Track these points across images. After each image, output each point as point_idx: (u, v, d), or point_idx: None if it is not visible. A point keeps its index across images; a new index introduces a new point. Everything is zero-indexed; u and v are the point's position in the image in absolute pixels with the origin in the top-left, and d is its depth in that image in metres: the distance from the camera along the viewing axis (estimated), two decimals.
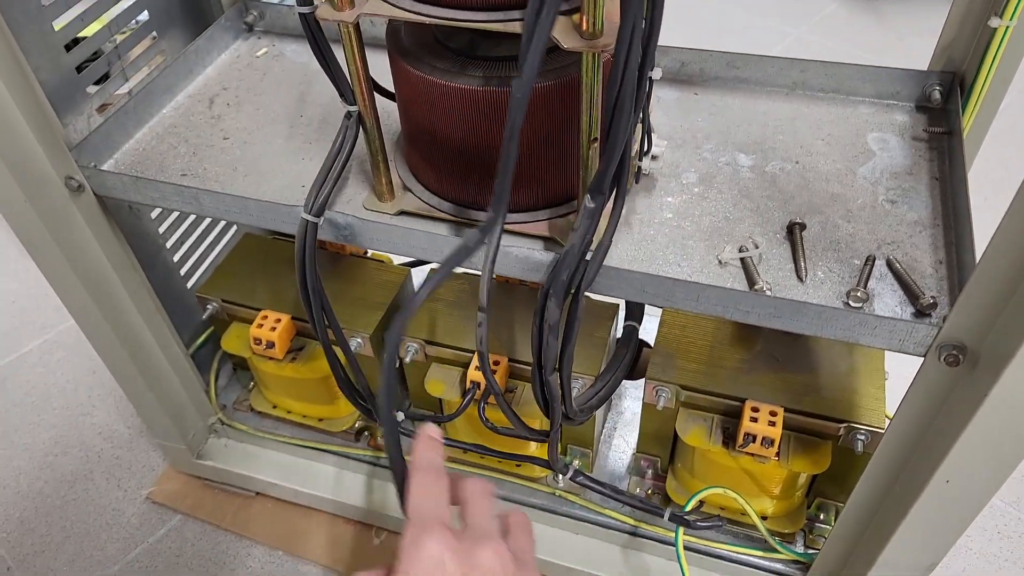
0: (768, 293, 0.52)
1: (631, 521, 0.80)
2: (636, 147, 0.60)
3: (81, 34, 0.68)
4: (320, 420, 0.87)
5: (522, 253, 0.55)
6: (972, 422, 0.47)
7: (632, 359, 0.75)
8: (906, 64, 0.66)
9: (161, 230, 0.82)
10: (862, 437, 0.65)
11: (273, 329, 0.76)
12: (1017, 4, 0.55)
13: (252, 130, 0.70)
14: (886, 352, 0.75)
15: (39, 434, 1.06)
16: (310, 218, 0.57)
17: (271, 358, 0.77)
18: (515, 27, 0.46)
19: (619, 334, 0.77)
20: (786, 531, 0.75)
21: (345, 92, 0.56)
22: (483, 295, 0.51)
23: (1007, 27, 0.56)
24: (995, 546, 0.91)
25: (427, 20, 0.48)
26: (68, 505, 0.97)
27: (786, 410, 0.67)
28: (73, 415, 1.07)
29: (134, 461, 1.01)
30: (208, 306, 0.81)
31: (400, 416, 0.76)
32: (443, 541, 0.38)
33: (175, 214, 0.84)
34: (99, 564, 0.91)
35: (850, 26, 1.78)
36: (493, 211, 0.48)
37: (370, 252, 0.88)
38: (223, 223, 0.92)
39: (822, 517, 0.76)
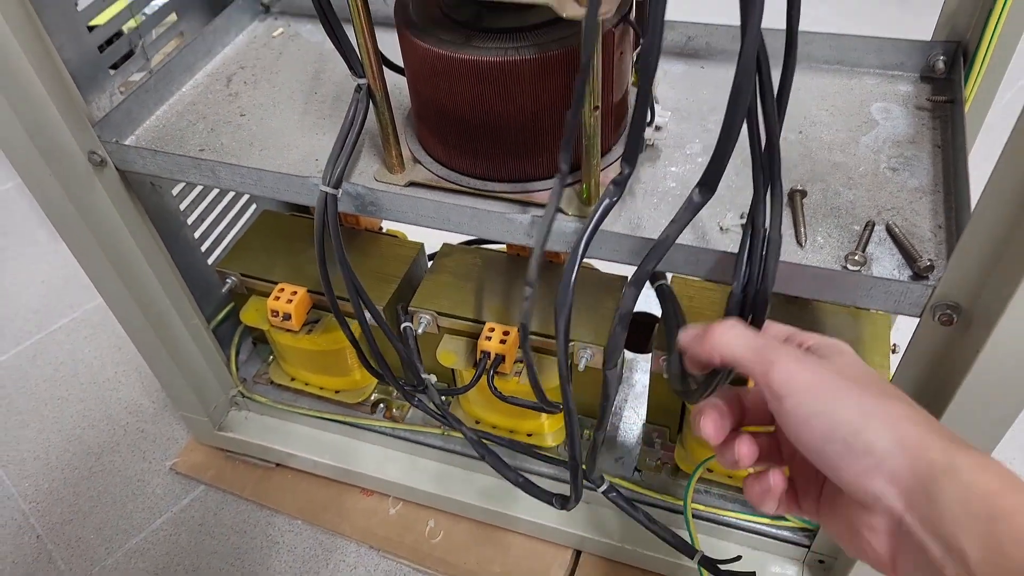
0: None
1: (643, 490, 0.81)
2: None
3: (103, 14, 0.70)
4: (337, 392, 0.89)
5: (525, 220, 0.57)
6: (967, 378, 0.49)
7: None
8: (911, 34, 0.66)
9: (182, 207, 0.85)
10: None
11: (289, 301, 0.78)
12: None
13: (268, 107, 0.72)
14: (895, 325, 0.76)
15: (67, 408, 1.09)
16: (328, 190, 0.59)
17: (288, 330, 0.80)
18: None
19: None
20: None
21: (354, 65, 0.57)
22: (533, 269, 0.50)
23: None
24: None
25: None
26: (95, 476, 1.01)
27: None
28: (100, 390, 1.11)
29: (158, 434, 1.05)
30: (228, 280, 0.83)
31: (433, 378, 0.77)
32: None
33: (196, 191, 0.86)
34: (125, 532, 0.94)
35: (868, 6, 1.77)
36: (558, 184, 0.49)
37: (384, 227, 0.90)
38: (243, 201, 0.95)
39: None
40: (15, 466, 1.03)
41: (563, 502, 0.71)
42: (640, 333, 0.90)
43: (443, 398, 0.78)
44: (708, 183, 0.47)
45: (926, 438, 0.34)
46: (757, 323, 0.49)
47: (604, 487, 0.72)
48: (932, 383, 0.53)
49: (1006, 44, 0.60)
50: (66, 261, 1.29)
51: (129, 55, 0.76)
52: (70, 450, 1.04)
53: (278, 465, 0.97)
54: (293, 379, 0.91)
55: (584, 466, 0.69)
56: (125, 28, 0.74)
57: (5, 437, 1.06)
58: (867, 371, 0.39)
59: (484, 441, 0.76)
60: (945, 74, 0.65)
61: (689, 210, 0.48)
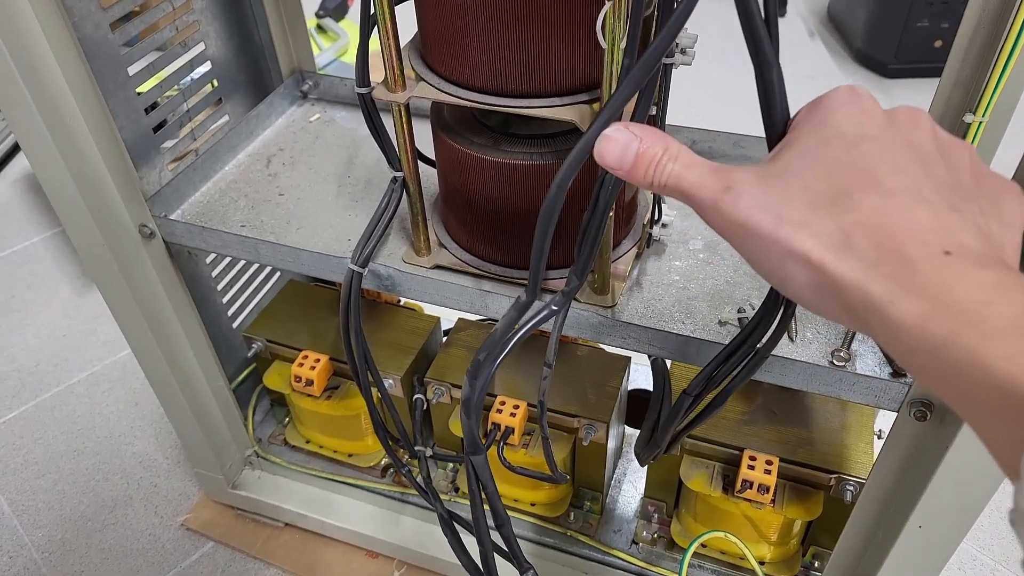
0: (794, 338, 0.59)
1: (639, 563, 0.85)
2: (648, 215, 0.67)
3: (158, 99, 0.77)
4: (349, 456, 0.93)
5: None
6: (939, 471, 0.53)
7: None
8: None
9: (214, 274, 0.90)
10: (851, 488, 0.71)
11: (312, 368, 0.83)
12: (988, 104, 0.62)
13: (305, 187, 0.79)
14: (879, 413, 0.81)
15: (83, 460, 1.13)
16: (356, 268, 0.64)
17: (309, 395, 0.84)
18: (542, 112, 0.54)
19: (630, 386, 0.84)
20: None
21: (392, 160, 0.64)
22: (551, 352, 0.56)
23: (979, 123, 0.63)
24: None
25: (466, 103, 0.56)
26: (107, 529, 1.04)
27: (781, 460, 0.72)
28: (115, 444, 1.15)
29: (170, 489, 1.08)
30: (254, 345, 0.88)
31: (428, 451, 0.82)
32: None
33: (227, 260, 0.92)
34: None
35: None
36: (576, 278, 0.54)
37: (403, 301, 0.96)
38: (268, 269, 1.00)
39: (816, 565, 0.81)
40: (29, 516, 1.06)
41: None
42: (639, 408, 0.95)
43: (451, 465, 0.82)
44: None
45: (840, 272, 0.31)
46: None
47: None
48: (909, 472, 0.58)
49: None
50: (88, 316, 1.35)
51: (179, 134, 0.82)
52: (84, 502, 1.07)
53: (287, 525, 1.00)
54: (308, 441, 0.95)
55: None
56: (176, 111, 0.81)
57: (21, 487, 1.10)
58: (816, 153, 0.35)
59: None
60: None
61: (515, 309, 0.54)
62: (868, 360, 0.58)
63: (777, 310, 0.50)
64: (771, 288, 0.48)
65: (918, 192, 0.32)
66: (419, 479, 0.82)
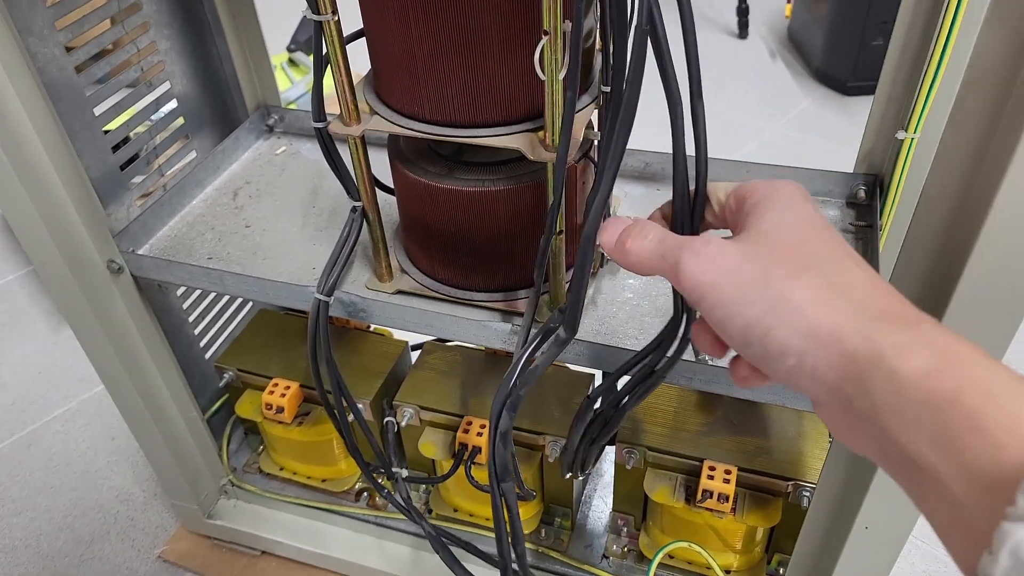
0: (708, 362, 0.61)
1: None
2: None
3: (126, 136, 0.79)
4: (323, 481, 0.95)
5: (499, 327, 0.64)
6: (879, 472, 0.56)
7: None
8: None
9: (185, 306, 0.92)
10: (807, 493, 0.73)
11: (283, 395, 0.84)
12: (919, 121, 0.65)
13: (270, 219, 0.81)
14: None
15: (60, 496, 1.13)
16: (322, 297, 0.66)
17: (280, 422, 0.86)
18: (490, 141, 0.56)
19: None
20: None
21: (351, 190, 0.66)
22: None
23: (911, 139, 0.66)
24: None
25: (420, 135, 0.58)
26: (85, 564, 1.04)
27: (740, 469, 0.74)
28: (92, 479, 1.15)
29: (147, 522, 1.08)
30: (225, 375, 0.90)
31: (404, 473, 0.83)
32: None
33: (197, 292, 0.94)
34: None
35: (822, 121, 1.92)
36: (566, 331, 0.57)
37: (372, 326, 0.98)
38: (239, 300, 1.02)
39: (781, 572, 0.83)
40: (6, 554, 1.06)
41: None
42: None
43: (423, 487, 0.84)
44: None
45: (838, 322, 0.30)
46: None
47: None
48: (854, 475, 0.61)
49: (917, 176, 0.69)
50: (63, 353, 1.35)
51: (146, 170, 0.84)
52: (61, 538, 1.07)
53: (264, 552, 1.01)
54: (282, 468, 0.96)
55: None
56: (144, 147, 0.83)
57: None
58: (794, 228, 0.35)
59: (464, 528, 0.81)
60: (866, 201, 0.74)
61: (556, 345, 0.57)
62: None
63: (676, 334, 0.51)
64: (676, 310, 0.49)
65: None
66: (398, 500, 0.83)
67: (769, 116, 1.93)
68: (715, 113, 1.93)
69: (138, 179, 0.81)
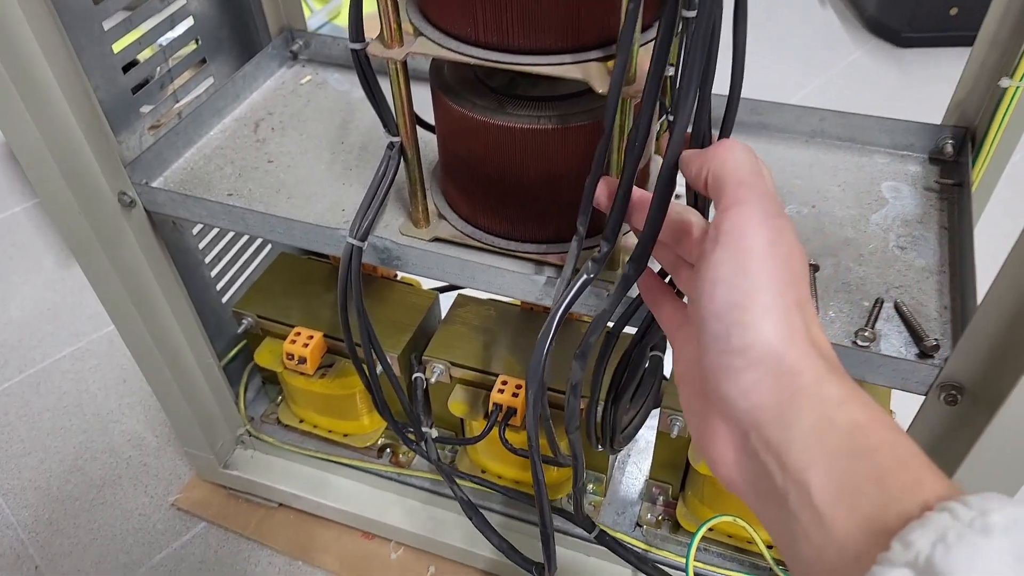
0: None
1: (643, 545, 0.82)
2: None
3: (137, 57, 0.73)
4: (345, 436, 0.90)
5: (551, 281, 0.58)
6: (968, 458, 0.50)
7: (659, 389, 0.78)
8: (925, 111, 0.69)
9: (200, 246, 0.86)
10: None
11: (305, 345, 0.79)
12: None
13: (295, 155, 0.74)
14: (892, 392, 0.78)
15: (70, 439, 1.09)
16: (355, 242, 0.60)
17: (302, 373, 0.81)
18: (549, 70, 0.49)
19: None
20: None
21: (389, 124, 0.59)
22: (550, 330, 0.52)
23: (1016, 87, 0.59)
24: None
25: (471, 60, 0.51)
26: (96, 508, 1.01)
27: None
28: (103, 422, 1.11)
29: (160, 468, 1.05)
30: (244, 321, 0.84)
31: (434, 433, 0.78)
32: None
33: (214, 231, 0.88)
34: (124, 567, 0.94)
35: (873, 73, 1.82)
36: (607, 243, 0.50)
37: (399, 275, 0.92)
38: (259, 242, 0.96)
39: None
40: (15, 495, 1.02)
41: (541, 571, 0.72)
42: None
43: (448, 448, 0.79)
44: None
45: (807, 363, 0.31)
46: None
47: (595, 533, 0.74)
48: (934, 459, 0.55)
49: (1013, 133, 0.62)
50: (72, 289, 1.30)
51: (158, 96, 0.78)
52: (71, 481, 1.04)
53: (281, 505, 0.97)
54: (302, 421, 0.92)
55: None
56: (157, 71, 0.76)
57: (7, 465, 1.06)
58: (802, 261, 0.35)
59: (487, 489, 0.77)
60: (953, 157, 0.67)
61: (623, 285, 0.49)
62: (893, 340, 0.55)
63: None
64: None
65: None
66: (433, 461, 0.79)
67: (818, 67, 1.83)
68: (758, 62, 1.83)
69: (150, 106, 0.75)
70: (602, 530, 0.78)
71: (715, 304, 0.33)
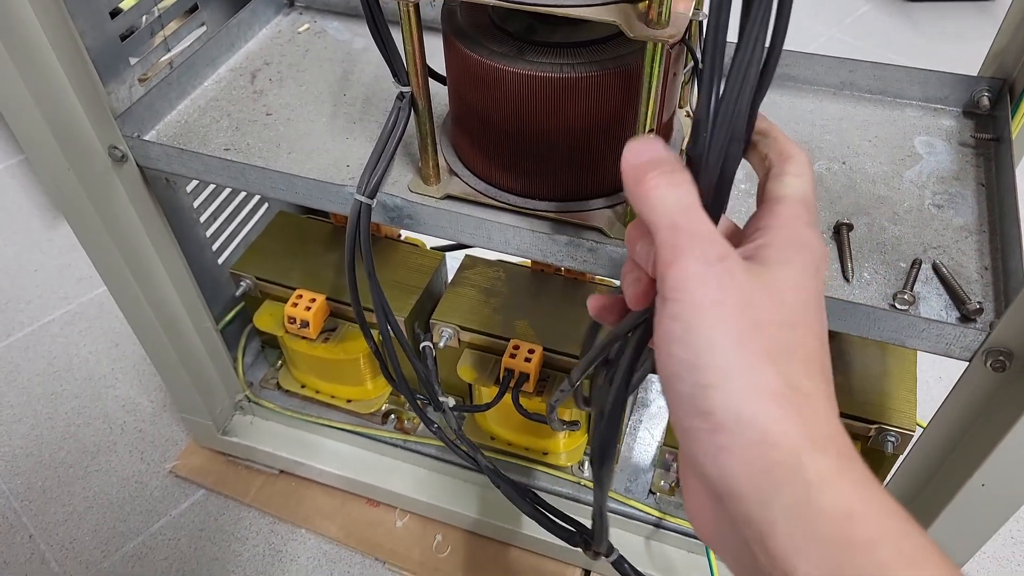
0: None
1: (656, 513, 0.80)
2: (684, 141, 0.60)
3: (121, 6, 0.68)
4: (348, 401, 0.87)
5: (572, 241, 0.55)
6: (1015, 427, 0.48)
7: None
8: (936, 66, 0.66)
9: (195, 204, 0.82)
10: (892, 439, 0.66)
11: (308, 309, 0.76)
12: None
13: (295, 107, 0.70)
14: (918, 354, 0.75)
15: (61, 404, 1.06)
16: (364, 199, 0.57)
17: (304, 337, 0.78)
18: (574, 11, 0.46)
19: None
20: None
21: (399, 72, 0.56)
22: (577, 370, 0.44)
23: None
24: (1008, 551, 0.91)
25: (489, 1, 0.48)
26: (91, 476, 0.98)
27: None
28: (96, 387, 1.08)
29: (157, 435, 1.02)
30: (242, 283, 0.81)
31: (451, 401, 0.76)
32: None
33: (209, 189, 0.84)
34: (122, 535, 0.92)
35: (882, 28, 1.77)
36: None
37: (403, 235, 0.88)
38: (255, 200, 0.92)
39: None
40: (7, 462, 1.00)
41: (587, 544, 0.69)
42: None
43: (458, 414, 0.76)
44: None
45: (780, 429, 0.27)
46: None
47: (613, 558, 0.71)
48: (976, 426, 0.53)
49: None
50: (61, 250, 1.26)
51: (148, 43, 0.73)
52: (64, 448, 1.01)
53: (282, 472, 0.95)
54: (303, 386, 0.89)
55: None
56: (146, 17, 0.71)
57: None
58: (792, 304, 0.30)
59: (502, 458, 0.75)
60: (989, 111, 0.64)
61: None
62: (933, 303, 0.52)
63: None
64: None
65: None
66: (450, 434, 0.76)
67: (823, 22, 1.78)
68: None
69: (140, 55, 0.70)
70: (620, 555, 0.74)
71: (673, 364, 0.29)
